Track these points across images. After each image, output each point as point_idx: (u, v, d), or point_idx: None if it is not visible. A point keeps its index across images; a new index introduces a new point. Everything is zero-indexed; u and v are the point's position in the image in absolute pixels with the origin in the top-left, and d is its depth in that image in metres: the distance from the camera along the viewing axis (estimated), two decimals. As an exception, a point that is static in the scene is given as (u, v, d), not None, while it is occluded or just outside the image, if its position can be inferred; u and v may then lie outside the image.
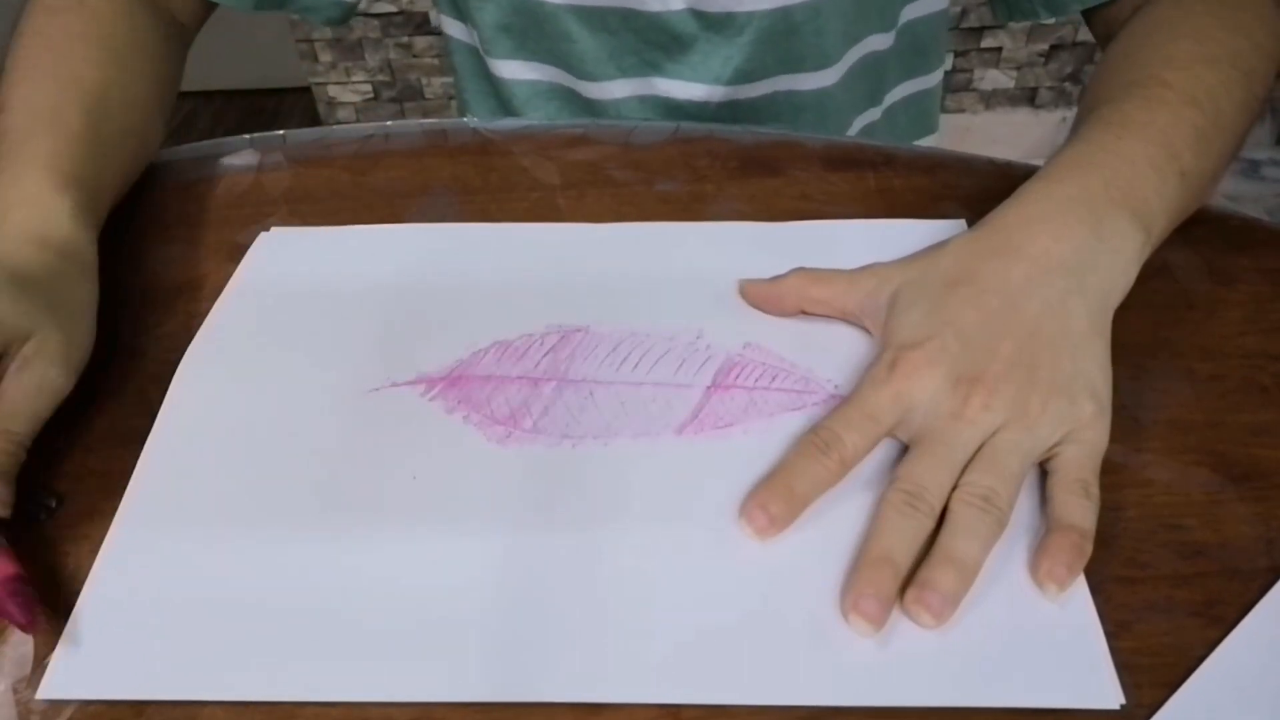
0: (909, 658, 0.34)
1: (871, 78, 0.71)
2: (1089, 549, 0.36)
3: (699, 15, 0.64)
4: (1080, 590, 0.36)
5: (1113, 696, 0.33)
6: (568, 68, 0.68)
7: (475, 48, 0.72)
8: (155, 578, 0.37)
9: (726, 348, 0.45)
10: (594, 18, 0.65)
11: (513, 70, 0.70)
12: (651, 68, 0.67)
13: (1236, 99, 0.47)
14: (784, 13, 0.63)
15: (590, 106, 0.70)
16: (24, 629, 0.35)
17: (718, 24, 0.65)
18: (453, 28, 0.75)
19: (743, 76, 0.67)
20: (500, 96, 0.73)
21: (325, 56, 1.85)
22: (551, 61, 0.69)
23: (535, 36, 0.67)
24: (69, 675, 0.35)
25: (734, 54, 0.66)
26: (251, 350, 0.46)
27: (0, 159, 0.47)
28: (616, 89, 0.69)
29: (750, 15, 0.64)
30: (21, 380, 0.40)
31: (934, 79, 0.77)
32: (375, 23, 1.80)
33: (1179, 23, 0.50)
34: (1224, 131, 0.46)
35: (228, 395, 0.44)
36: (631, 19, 0.65)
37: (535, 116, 0.71)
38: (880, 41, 0.69)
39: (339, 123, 1.91)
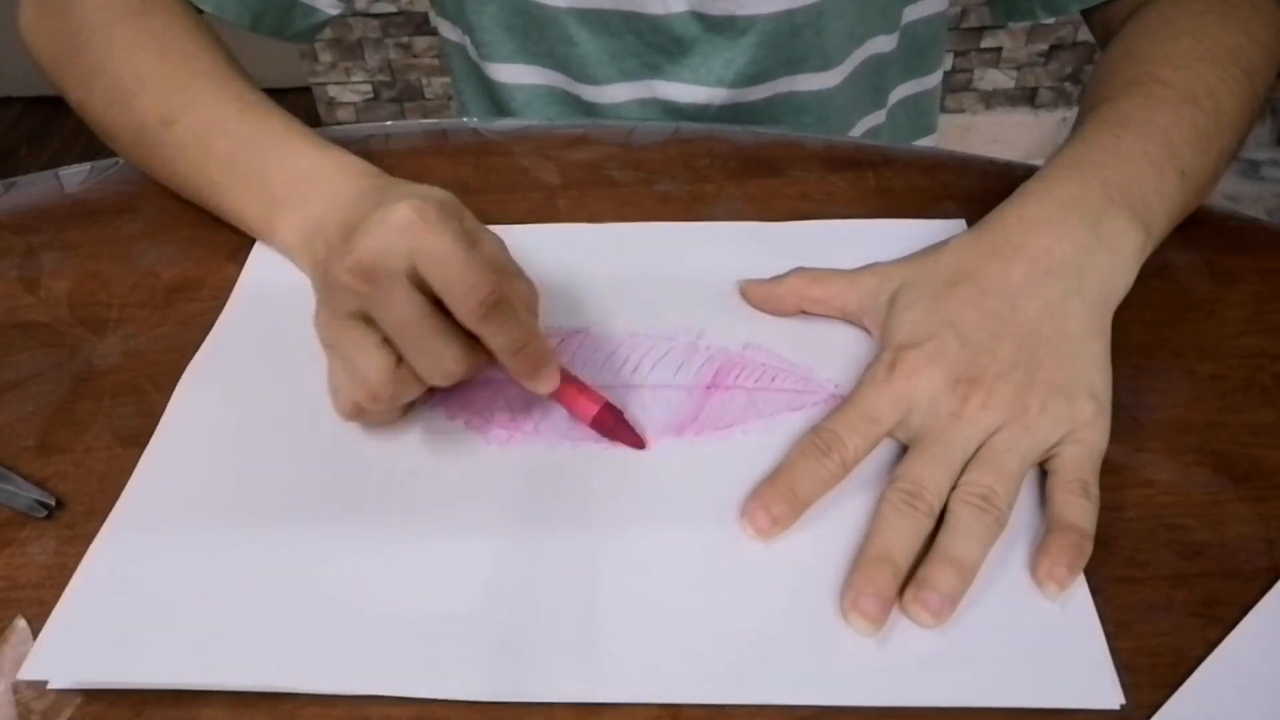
0: (909, 658, 0.34)
1: (874, 79, 0.71)
2: (1089, 549, 0.36)
3: (700, 18, 0.64)
4: (1080, 590, 0.36)
5: (1113, 696, 0.33)
6: (567, 71, 0.68)
7: (471, 51, 0.72)
8: (149, 570, 0.37)
9: (726, 348, 0.45)
10: (596, 20, 0.65)
11: (510, 74, 0.70)
12: (653, 70, 0.67)
13: (1237, 97, 0.47)
14: (786, 15, 0.63)
15: (590, 110, 0.70)
16: (641, 447, 0.41)
17: (719, 26, 0.64)
18: (448, 30, 0.75)
19: (744, 79, 0.67)
20: (497, 100, 0.72)
21: (325, 56, 1.84)
22: (551, 65, 0.69)
23: (536, 39, 0.67)
24: (53, 660, 0.34)
25: (736, 56, 0.65)
26: (256, 356, 0.46)
27: (243, 146, 0.49)
28: (617, 92, 0.68)
29: (752, 18, 0.64)
30: (490, 233, 0.41)
31: (933, 80, 0.77)
32: (375, 23, 1.80)
33: (1178, 21, 0.50)
34: (1224, 130, 0.46)
35: (231, 399, 0.44)
36: (633, 21, 0.65)
37: (534, 117, 0.71)
38: (883, 43, 0.69)
39: (339, 123, 1.91)
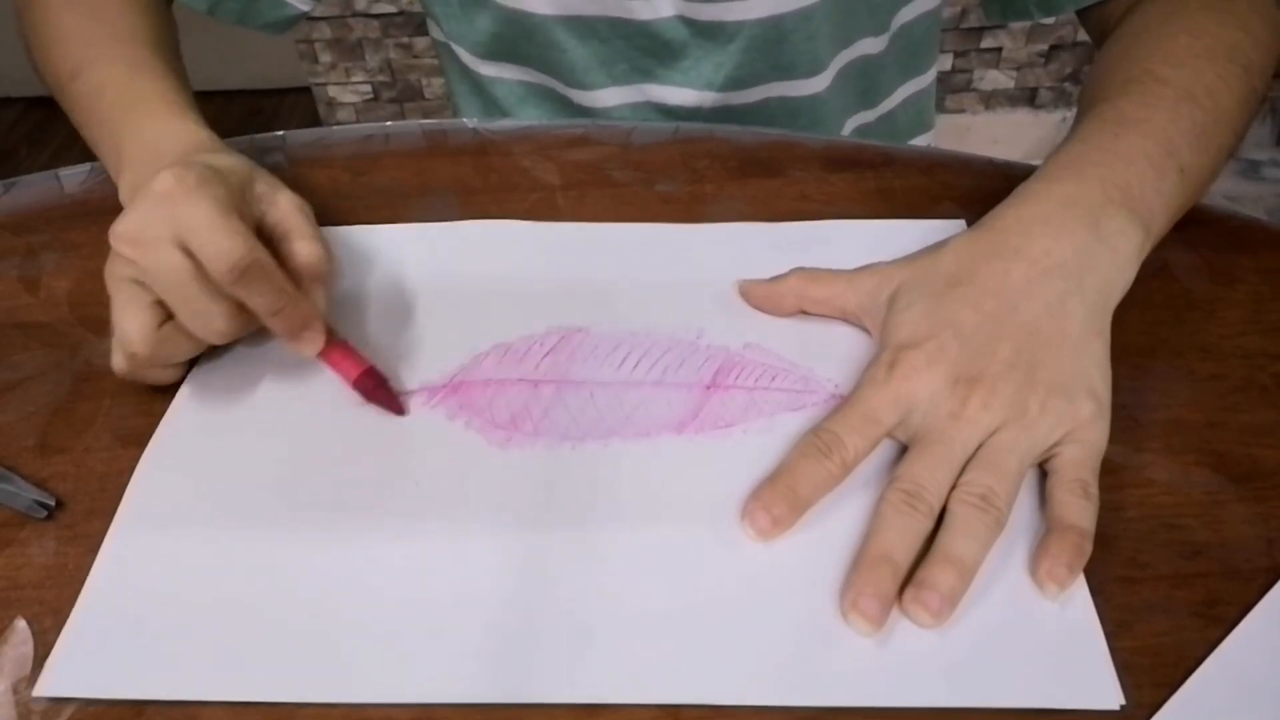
0: (909, 658, 0.34)
1: (863, 81, 0.71)
2: (1089, 549, 0.36)
3: (689, 23, 0.64)
4: (1080, 590, 0.36)
5: (1113, 696, 0.33)
6: (558, 76, 0.68)
7: (461, 54, 0.72)
8: (155, 578, 0.37)
9: (726, 348, 0.45)
10: (583, 27, 0.65)
11: (501, 76, 0.70)
12: (644, 74, 0.67)
13: (1236, 93, 0.47)
14: (774, 21, 0.63)
15: (581, 113, 0.70)
16: (401, 413, 0.42)
17: (708, 31, 0.64)
18: (437, 31, 0.74)
19: (734, 83, 0.67)
20: (488, 99, 0.72)
21: (325, 57, 1.84)
22: (542, 69, 0.69)
23: (526, 46, 0.67)
24: (67, 673, 0.35)
25: (725, 61, 0.65)
26: (256, 357, 0.46)
27: (114, 108, 0.50)
28: (609, 96, 0.68)
29: (740, 24, 0.63)
30: (286, 198, 0.44)
31: (929, 78, 0.77)
32: (375, 23, 1.79)
33: (1175, 18, 0.50)
34: (1223, 127, 0.46)
35: (232, 400, 0.44)
36: (620, 27, 0.64)
37: (527, 117, 0.71)
38: (872, 45, 0.69)
39: (339, 123, 1.91)
